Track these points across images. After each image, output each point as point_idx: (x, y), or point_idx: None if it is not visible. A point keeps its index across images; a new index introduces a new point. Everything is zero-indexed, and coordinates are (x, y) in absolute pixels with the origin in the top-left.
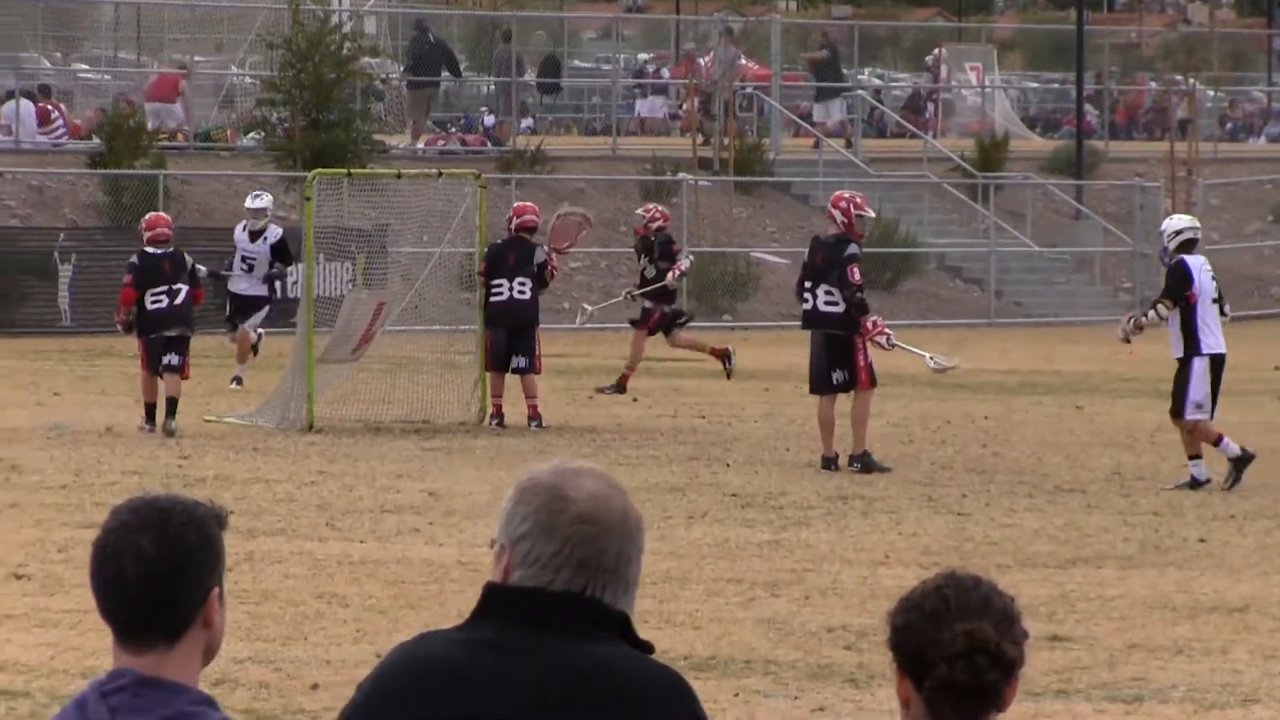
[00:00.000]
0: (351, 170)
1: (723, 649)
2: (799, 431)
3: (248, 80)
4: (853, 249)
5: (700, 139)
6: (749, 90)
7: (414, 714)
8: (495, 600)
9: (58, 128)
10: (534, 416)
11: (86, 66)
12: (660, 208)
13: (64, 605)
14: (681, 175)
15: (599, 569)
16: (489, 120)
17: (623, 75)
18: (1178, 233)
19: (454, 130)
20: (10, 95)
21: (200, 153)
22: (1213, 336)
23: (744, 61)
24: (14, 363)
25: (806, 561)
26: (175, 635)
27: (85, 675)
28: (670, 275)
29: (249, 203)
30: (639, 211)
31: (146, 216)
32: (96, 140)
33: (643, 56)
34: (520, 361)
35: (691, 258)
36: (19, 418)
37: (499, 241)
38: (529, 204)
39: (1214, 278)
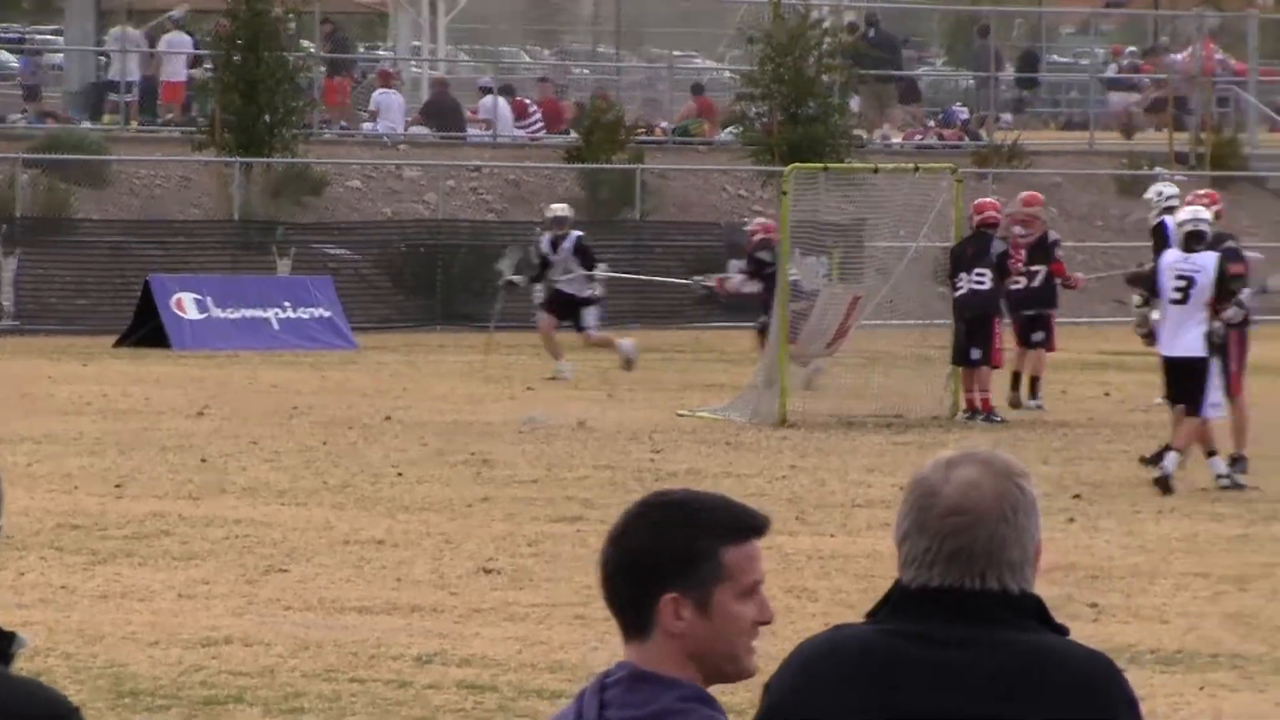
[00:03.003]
0: (829, 164)
1: (1189, 643)
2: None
3: (726, 75)
4: None
5: (1177, 134)
6: (1226, 85)
7: (864, 697)
8: (900, 598)
9: (534, 122)
10: (984, 410)
11: (565, 60)
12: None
13: (533, 599)
14: (1157, 169)
15: (970, 558)
16: (963, 115)
17: (1100, 70)
18: None
19: (931, 125)
20: (487, 90)
21: (678, 147)
22: None
23: (1221, 57)
24: (488, 356)
25: (1276, 555)
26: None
27: (553, 670)
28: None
29: (549, 213)
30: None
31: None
32: (574, 135)
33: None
34: (975, 354)
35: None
36: (493, 412)
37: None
38: (990, 200)
39: None
